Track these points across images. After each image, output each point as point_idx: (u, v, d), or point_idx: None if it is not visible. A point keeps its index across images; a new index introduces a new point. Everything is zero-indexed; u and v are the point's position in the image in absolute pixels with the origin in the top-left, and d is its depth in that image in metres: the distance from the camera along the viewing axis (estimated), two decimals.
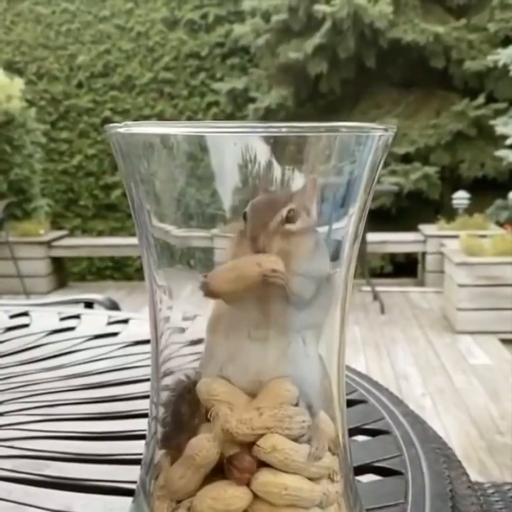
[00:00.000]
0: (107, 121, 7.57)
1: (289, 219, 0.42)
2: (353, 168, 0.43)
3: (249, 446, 0.42)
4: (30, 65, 7.73)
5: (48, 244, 6.26)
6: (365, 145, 0.42)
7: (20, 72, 7.38)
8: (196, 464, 0.41)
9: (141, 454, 0.49)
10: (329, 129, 0.41)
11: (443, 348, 4.28)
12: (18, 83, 6.40)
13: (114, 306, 1.40)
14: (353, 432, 0.65)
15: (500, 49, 6.27)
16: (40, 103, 7.60)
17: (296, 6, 7.10)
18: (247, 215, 0.42)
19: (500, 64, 6.11)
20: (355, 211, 0.44)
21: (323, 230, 0.45)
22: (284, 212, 0.41)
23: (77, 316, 1.12)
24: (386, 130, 0.43)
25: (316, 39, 6.95)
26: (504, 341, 4.36)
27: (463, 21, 7.06)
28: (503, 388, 3.52)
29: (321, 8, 6.82)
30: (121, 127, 0.42)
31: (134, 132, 0.43)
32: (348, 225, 0.44)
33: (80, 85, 7.75)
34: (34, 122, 6.82)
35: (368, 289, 5.48)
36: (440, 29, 6.89)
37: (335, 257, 0.45)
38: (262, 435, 0.42)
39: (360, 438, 0.66)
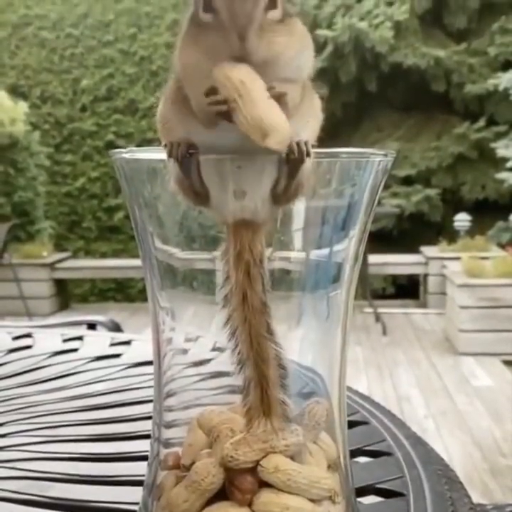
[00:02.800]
0: (110, 144, 7.62)
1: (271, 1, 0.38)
2: (353, 191, 0.44)
3: (250, 468, 0.42)
4: (35, 89, 7.80)
5: (51, 266, 6.27)
6: (365, 170, 0.43)
7: (24, 96, 7.44)
8: (202, 489, 0.42)
9: (143, 476, 0.49)
10: (330, 154, 0.41)
11: (445, 369, 4.26)
12: (22, 107, 6.46)
13: (116, 327, 1.40)
14: (354, 453, 0.65)
15: (500, 73, 6.33)
16: (44, 126, 7.65)
17: None
18: None
19: (501, 87, 6.16)
20: (356, 233, 0.45)
21: (324, 251, 0.45)
22: None
23: (80, 338, 1.12)
24: (385, 155, 0.44)
25: (318, 63, 6.99)
26: (507, 363, 4.34)
27: (463, 45, 7.13)
28: (505, 410, 3.50)
29: (322, 32, 6.89)
30: (126, 153, 0.43)
31: (138, 158, 0.44)
32: (348, 247, 0.45)
33: (83, 109, 7.81)
34: (38, 145, 6.87)
35: (370, 310, 5.48)
36: (441, 53, 6.96)
37: (336, 278, 0.45)
38: (263, 457, 0.42)
39: (362, 459, 0.66)
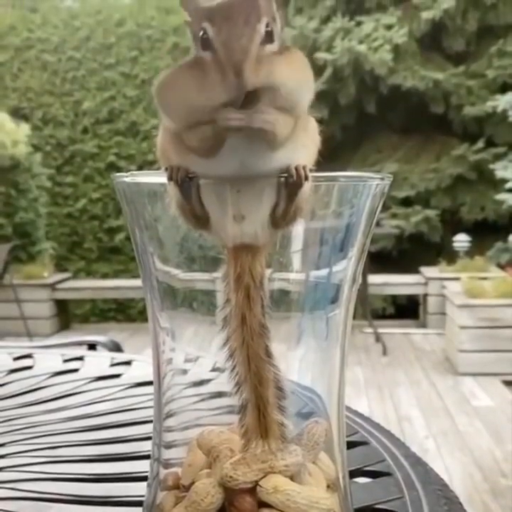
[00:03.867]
0: (111, 166, 7.66)
1: (268, 35, 0.38)
2: (351, 214, 0.45)
3: (249, 488, 0.42)
4: (36, 111, 7.84)
5: (52, 286, 6.27)
6: (362, 193, 0.44)
7: (26, 118, 7.48)
8: (201, 510, 0.42)
9: (142, 496, 0.49)
10: (327, 178, 0.42)
11: (446, 389, 4.25)
12: (24, 129, 6.49)
13: (116, 347, 1.40)
14: (354, 473, 0.65)
15: (498, 95, 6.37)
16: (45, 148, 7.69)
17: None
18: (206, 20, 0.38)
19: (499, 109, 6.20)
20: (354, 254, 0.46)
21: (323, 272, 0.46)
22: (261, 27, 0.38)
23: (81, 358, 1.13)
24: (382, 179, 0.45)
25: (317, 85, 7.07)
26: (507, 383, 4.33)
27: (462, 68, 7.18)
28: (506, 430, 3.48)
29: (322, 55, 6.95)
30: (127, 177, 0.44)
31: (139, 181, 0.45)
32: (347, 268, 0.46)
33: (85, 131, 7.85)
34: (39, 167, 6.90)
35: (370, 330, 5.47)
36: (439, 75, 7.01)
37: (334, 299, 0.46)
38: (262, 477, 0.42)
39: (362, 480, 0.66)
